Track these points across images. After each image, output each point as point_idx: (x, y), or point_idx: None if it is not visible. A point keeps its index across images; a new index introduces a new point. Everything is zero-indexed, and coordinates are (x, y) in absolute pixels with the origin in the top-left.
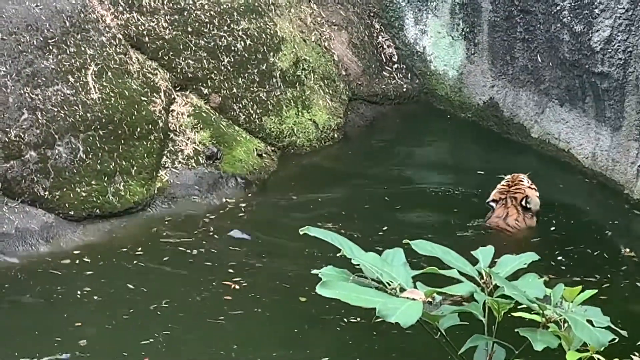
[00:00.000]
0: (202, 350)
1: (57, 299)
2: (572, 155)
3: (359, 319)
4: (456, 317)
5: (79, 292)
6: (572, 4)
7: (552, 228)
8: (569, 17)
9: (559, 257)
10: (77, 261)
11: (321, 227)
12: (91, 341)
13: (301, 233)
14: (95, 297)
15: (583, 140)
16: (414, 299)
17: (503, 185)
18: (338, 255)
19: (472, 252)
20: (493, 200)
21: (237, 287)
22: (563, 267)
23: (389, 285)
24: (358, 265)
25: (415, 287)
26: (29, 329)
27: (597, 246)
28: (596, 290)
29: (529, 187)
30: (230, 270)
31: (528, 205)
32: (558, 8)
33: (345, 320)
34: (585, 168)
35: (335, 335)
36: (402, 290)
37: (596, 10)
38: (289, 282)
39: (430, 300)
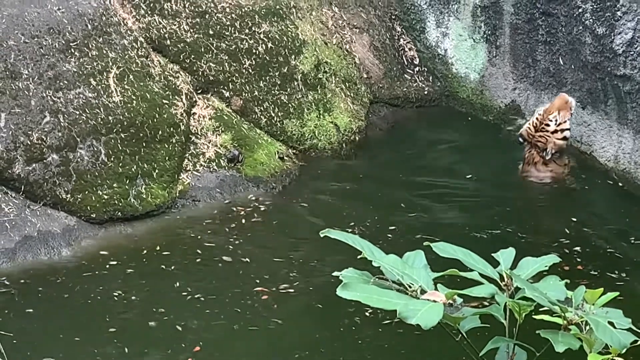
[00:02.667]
0: (235, 351)
1: (95, 301)
2: (594, 158)
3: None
4: (477, 319)
5: (115, 294)
6: (594, 6)
7: (573, 226)
8: (591, 20)
9: (578, 256)
10: (107, 264)
11: (342, 230)
12: (135, 341)
13: (322, 236)
14: (133, 298)
15: (605, 143)
16: (434, 301)
17: (533, 124)
18: (358, 257)
19: (493, 255)
20: (521, 135)
21: (267, 289)
22: (583, 265)
23: (410, 287)
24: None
25: (436, 289)
26: (73, 330)
27: (616, 246)
28: (618, 293)
29: (554, 131)
30: (262, 273)
31: (547, 157)
32: (580, 10)
33: (358, 319)
34: (607, 171)
35: (346, 333)
36: (423, 292)
37: (618, 13)
38: (314, 284)
39: (451, 302)
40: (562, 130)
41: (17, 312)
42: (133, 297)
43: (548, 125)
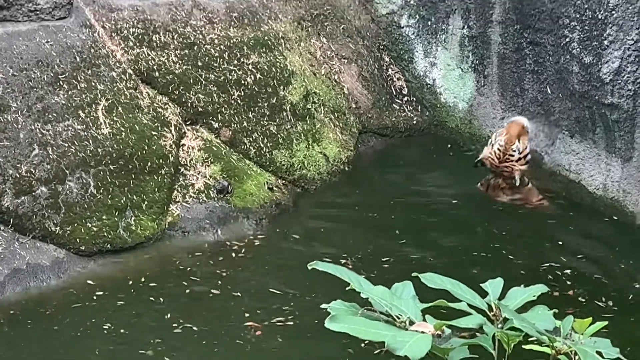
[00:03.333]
0: None
1: (85, 333)
2: (583, 186)
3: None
4: (466, 350)
5: (105, 326)
6: (581, 35)
7: (561, 253)
8: (578, 49)
9: (565, 283)
10: (96, 296)
11: (331, 262)
12: None
13: (310, 268)
14: (122, 331)
15: (594, 172)
16: (423, 332)
17: (496, 156)
18: (347, 289)
19: (481, 285)
20: (481, 162)
21: (259, 323)
22: (571, 292)
23: (398, 318)
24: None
25: (424, 320)
26: None
27: (604, 273)
28: (606, 322)
29: (518, 159)
30: (252, 305)
31: (517, 184)
32: (567, 40)
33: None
34: (596, 199)
35: None
36: (412, 323)
37: (605, 42)
38: (307, 316)
39: (439, 333)
40: (525, 157)
41: (7, 344)
42: (122, 330)
43: (512, 155)
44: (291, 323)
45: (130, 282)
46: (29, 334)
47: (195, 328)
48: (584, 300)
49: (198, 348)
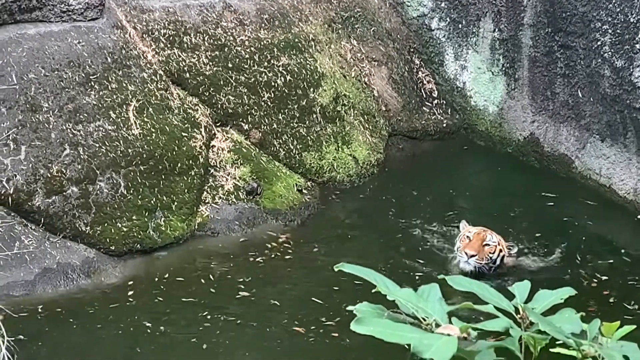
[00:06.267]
0: None
1: (127, 332)
2: (614, 190)
3: None
4: (492, 352)
5: (146, 324)
6: (613, 39)
7: (593, 260)
8: (609, 53)
9: (597, 286)
10: (130, 296)
11: (357, 264)
12: None
13: (336, 269)
14: (162, 328)
15: (624, 176)
16: (449, 335)
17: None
18: (373, 291)
19: (508, 287)
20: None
21: (300, 329)
22: (601, 294)
23: (424, 320)
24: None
25: (450, 322)
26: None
27: (635, 276)
28: (635, 327)
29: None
30: (285, 309)
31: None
32: (599, 43)
33: None
34: (627, 203)
35: None
36: (438, 325)
37: (637, 46)
38: (335, 318)
39: (465, 335)
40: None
41: (50, 343)
42: (162, 328)
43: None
44: (323, 326)
45: (162, 283)
46: (71, 333)
47: (230, 319)
48: (612, 302)
49: (243, 337)
